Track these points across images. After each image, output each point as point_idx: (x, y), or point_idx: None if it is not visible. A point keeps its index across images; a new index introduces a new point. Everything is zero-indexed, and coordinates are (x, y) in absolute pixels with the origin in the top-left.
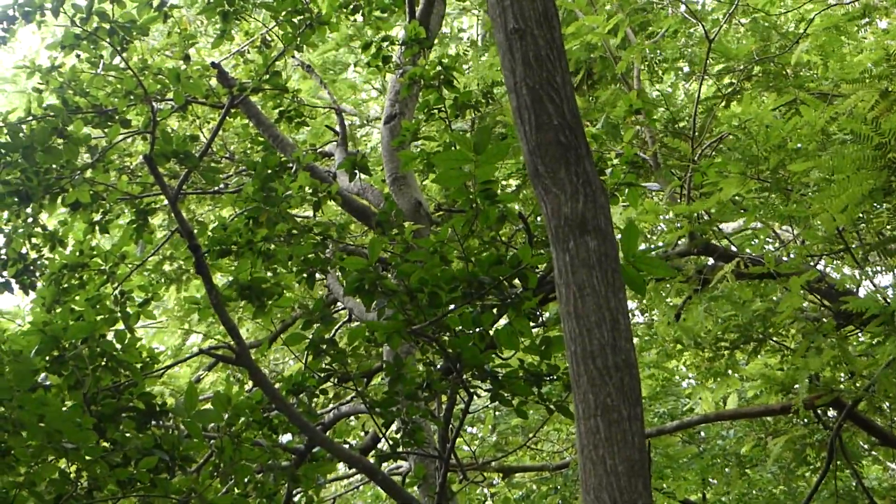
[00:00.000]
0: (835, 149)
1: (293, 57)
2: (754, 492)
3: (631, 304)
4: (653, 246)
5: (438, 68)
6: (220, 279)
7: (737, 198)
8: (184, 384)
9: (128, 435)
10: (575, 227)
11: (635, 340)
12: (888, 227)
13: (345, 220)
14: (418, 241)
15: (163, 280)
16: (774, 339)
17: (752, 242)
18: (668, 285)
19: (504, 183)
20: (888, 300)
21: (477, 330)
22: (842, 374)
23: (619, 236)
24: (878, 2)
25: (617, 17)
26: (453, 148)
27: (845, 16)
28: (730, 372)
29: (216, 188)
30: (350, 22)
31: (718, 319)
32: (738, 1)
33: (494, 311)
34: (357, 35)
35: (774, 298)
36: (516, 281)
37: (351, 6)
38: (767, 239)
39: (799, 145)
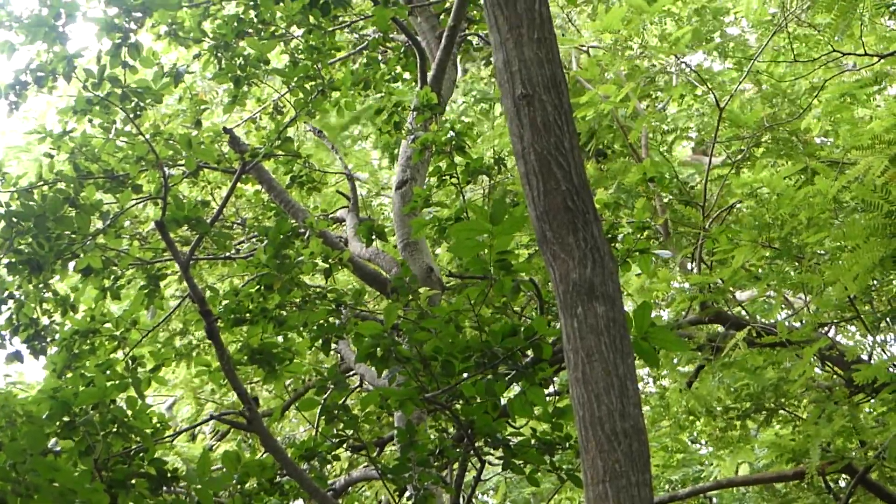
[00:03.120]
0: (846, 217)
1: (305, 123)
2: None
3: (642, 372)
4: (664, 314)
5: (450, 134)
6: (235, 347)
7: (749, 265)
8: (197, 455)
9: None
10: (583, 293)
11: (646, 410)
12: None
13: (358, 287)
14: (432, 309)
15: (174, 355)
16: (786, 408)
17: (764, 309)
18: (679, 353)
19: (516, 252)
20: None
21: (489, 398)
22: (853, 443)
23: (630, 306)
24: (891, 69)
25: (628, 86)
26: (467, 218)
27: (857, 83)
28: (741, 443)
29: (228, 254)
30: (363, 96)
31: (731, 388)
32: (750, 68)
33: (507, 379)
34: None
35: (786, 366)
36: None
37: (362, 83)
38: (779, 307)
39: (810, 217)
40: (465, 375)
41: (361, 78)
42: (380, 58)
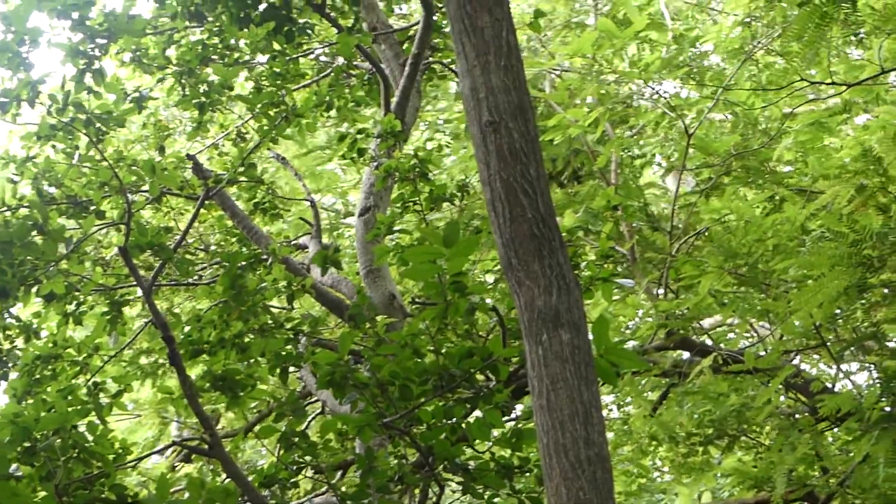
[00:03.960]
0: (812, 245)
1: (269, 149)
2: None
3: (607, 398)
4: (627, 338)
5: (414, 161)
6: (198, 370)
7: (715, 292)
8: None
9: None
10: (548, 321)
11: (610, 435)
12: (863, 324)
13: (321, 314)
14: (391, 335)
15: (139, 373)
16: (748, 435)
17: (729, 338)
18: (644, 380)
19: (481, 279)
20: (862, 395)
21: (448, 423)
22: (816, 472)
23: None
24: (859, 99)
25: (598, 111)
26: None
27: (826, 111)
28: (704, 470)
29: (190, 280)
30: (326, 118)
31: (694, 415)
32: (719, 96)
33: (466, 403)
34: (336, 125)
35: (750, 393)
36: (489, 373)
37: (324, 104)
38: (744, 334)
39: (777, 244)
40: (422, 400)
41: (324, 99)
42: (344, 84)
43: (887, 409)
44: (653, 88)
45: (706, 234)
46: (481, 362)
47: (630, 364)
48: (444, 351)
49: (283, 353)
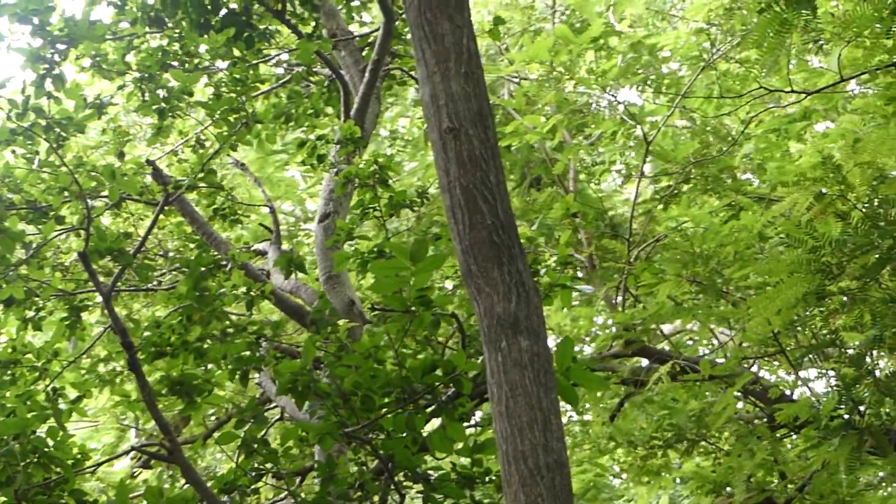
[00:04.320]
0: (770, 252)
1: (228, 155)
2: None
3: (566, 405)
4: (587, 349)
5: (374, 167)
6: (156, 377)
7: (675, 298)
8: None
9: None
10: (507, 327)
11: (568, 438)
12: (822, 331)
13: (280, 319)
14: (353, 344)
15: (97, 382)
16: (707, 440)
17: (687, 344)
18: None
19: (440, 285)
20: (820, 403)
21: (409, 432)
22: (774, 478)
23: (554, 340)
24: (819, 107)
25: (555, 118)
26: (390, 253)
27: (786, 118)
28: (663, 473)
29: (150, 285)
30: (285, 129)
31: (653, 418)
32: (677, 103)
33: (427, 413)
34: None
35: (709, 399)
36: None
37: (282, 115)
38: (704, 340)
39: (735, 251)
40: (384, 411)
41: (283, 111)
42: (303, 92)
43: (846, 416)
44: (611, 96)
45: (665, 240)
46: (444, 377)
47: (593, 385)
48: (407, 364)
49: (244, 356)
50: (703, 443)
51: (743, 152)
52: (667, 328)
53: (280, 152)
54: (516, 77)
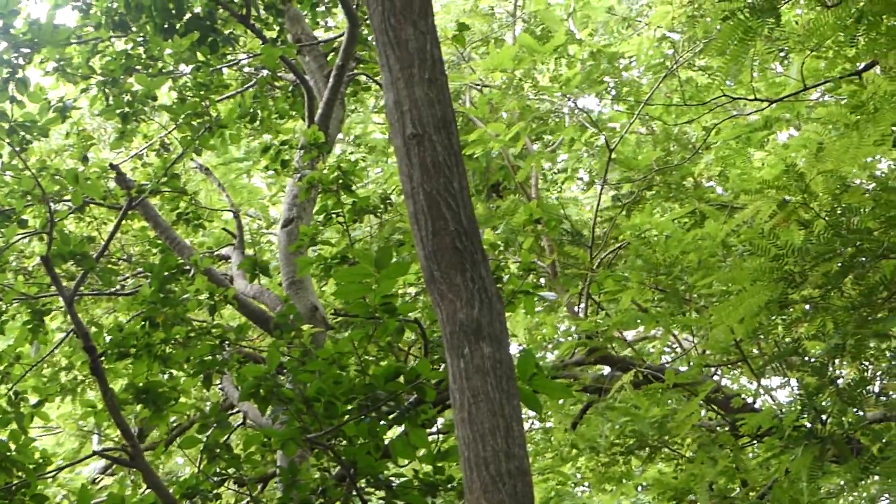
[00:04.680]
0: (734, 260)
1: (192, 160)
2: None
3: (529, 412)
4: (550, 356)
5: (337, 173)
6: (119, 383)
7: (639, 305)
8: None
9: None
10: (470, 334)
11: (530, 445)
12: (785, 339)
13: (243, 323)
14: (317, 351)
15: (59, 390)
16: (669, 446)
17: (650, 352)
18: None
19: (401, 291)
20: (783, 411)
21: (372, 439)
22: (736, 485)
23: (516, 347)
24: (786, 115)
25: (518, 126)
26: (353, 259)
27: (748, 126)
28: (625, 480)
29: (113, 290)
30: (250, 129)
31: (616, 425)
32: (639, 111)
33: (390, 420)
34: (257, 137)
35: (672, 406)
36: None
37: (247, 115)
38: (667, 347)
39: (699, 259)
40: (347, 417)
41: (248, 111)
42: (269, 94)
43: (808, 424)
44: (573, 103)
45: (627, 248)
46: (407, 385)
47: (555, 394)
48: (370, 371)
49: (207, 360)
50: (665, 449)
51: (705, 160)
52: (630, 335)
53: (243, 160)
54: (478, 84)
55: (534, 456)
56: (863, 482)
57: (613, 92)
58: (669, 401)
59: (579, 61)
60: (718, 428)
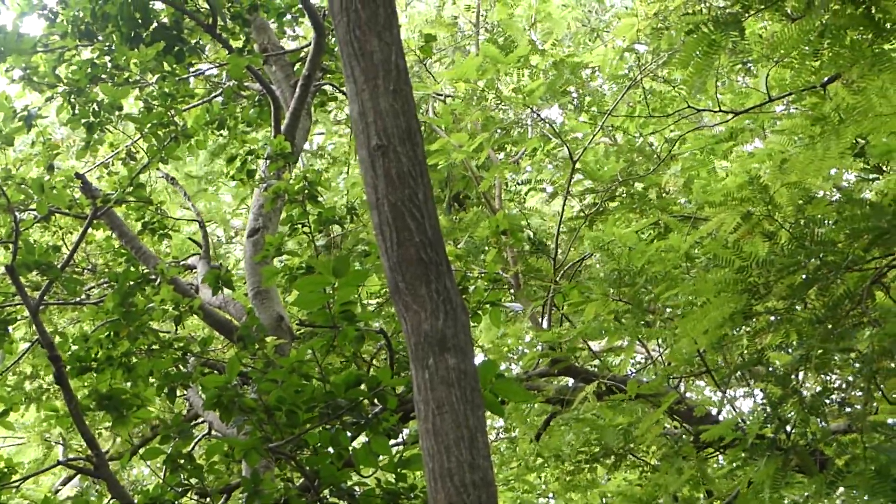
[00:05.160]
0: (698, 272)
1: (158, 169)
2: None
3: (496, 423)
4: (514, 368)
5: (303, 183)
6: (83, 392)
7: (606, 316)
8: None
9: None
10: (434, 345)
11: (495, 456)
12: (748, 351)
13: (208, 334)
14: (279, 360)
15: (23, 399)
16: (635, 454)
17: (614, 364)
18: (527, 410)
19: (366, 302)
20: (746, 422)
21: (334, 448)
22: (701, 494)
23: (481, 358)
24: (751, 124)
25: (481, 136)
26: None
27: (713, 138)
28: (590, 490)
29: (78, 299)
30: (216, 136)
31: (580, 433)
32: (603, 122)
33: (352, 429)
34: (224, 147)
35: (637, 414)
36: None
37: (216, 122)
38: (632, 358)
39: (663, 271)
40: (309, 426)
41: (216, 117)
42: (235, 104)
43: (771, 435)
44: (535, 114)
45: (590, 259)
46: (368, 392)
47: (517, 397)
48: (331, 379)
49: (171, 372)
50: (630, 456)
51: (671, 171)
52: (597, 346)
53: (201, 178)
54: (441, 95)
55: (499, 466)
56: (829, 495)
57: (577, 102)
58: (637, 411)
59: (542, 72)
60: (684, 437)
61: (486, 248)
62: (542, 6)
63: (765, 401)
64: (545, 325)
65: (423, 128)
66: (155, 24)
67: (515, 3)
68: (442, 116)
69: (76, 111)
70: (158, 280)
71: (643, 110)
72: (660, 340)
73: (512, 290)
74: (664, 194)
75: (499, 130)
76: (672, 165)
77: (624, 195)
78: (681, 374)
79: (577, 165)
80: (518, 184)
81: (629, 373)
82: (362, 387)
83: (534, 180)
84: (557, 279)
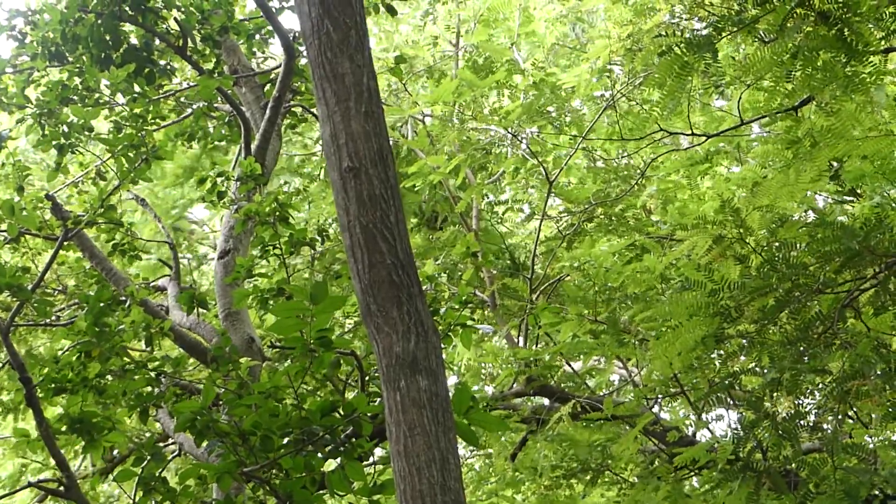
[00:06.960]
0: (671, 295)
1: (128, 191)
2: None
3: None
4: (489, 388)
5: (274, 204)
6: (54, 411)
7: (581, 336)
8: None
9: None
10: (406, 367)
11: (472, 472)
12: (721, 373)
13: (179, 355)
14: (253, 385)
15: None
16: (612, 470)
17: (587, 385)
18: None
19: (340, 321)
20: (719, 444)
21: (308, 473)
22: None
23: (454, 379)
24: (727, 146)
25: (458, 158)
26: (286, 292)
27: (689, 160)
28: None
29: (48, 321)
30: (187, 149)
31: (556, 450)
32: (579, 144)
33: (326, 453)
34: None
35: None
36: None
37: (186, 134)
38: (610, 377)
39: (638, 291)
40: (283, 451)
41: (186, 129)
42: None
43: (744, 456)
44: (512, 134)
45: (566, 279)
46: (343, 420)
47: (491, 427)
48: (306, 405)
49: (143, 394)
50: (607, 473)
51: (648, 191)
52: (578, 366)
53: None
54: (420, 116)
55: (477, 482)
56: None
57: (554, 123)
58: (612, 430)
59: (522, 92)
60: (659, 459)
61: (463, 266)
62: (524, 27)
63: (738, 424)
64: (521, 343)
65: (402, 149)
66: (125, 46)
67: (497, 24)
68: (419, 138)
69: (46, 133)
70: (129, 301)
71: (616, 133)
72: (636, 361)
73: (488, 309)
74: (643, 215)
75: (477, 151)
76: (648, 186)
77: (602, 216)
78: (656, 396)
79: (554, 186)
80: (496, 203)
81: (605, 392)
82: (338, 413)
83: (511, 200)
84: (534, 298)
